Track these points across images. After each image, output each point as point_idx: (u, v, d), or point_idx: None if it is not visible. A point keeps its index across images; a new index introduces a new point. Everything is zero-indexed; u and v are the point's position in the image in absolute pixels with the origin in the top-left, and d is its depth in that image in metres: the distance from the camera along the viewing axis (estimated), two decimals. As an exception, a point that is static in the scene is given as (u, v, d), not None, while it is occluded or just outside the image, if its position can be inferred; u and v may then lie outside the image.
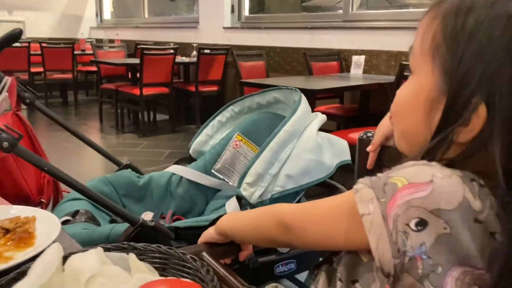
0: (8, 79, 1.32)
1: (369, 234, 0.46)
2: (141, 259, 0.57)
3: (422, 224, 0.43)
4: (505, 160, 0.45)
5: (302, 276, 1.24)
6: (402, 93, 0.56)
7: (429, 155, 0.49)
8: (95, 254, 0.51)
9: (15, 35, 1.34)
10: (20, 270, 0.49)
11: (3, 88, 1.29)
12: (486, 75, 0.45)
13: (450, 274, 0.44)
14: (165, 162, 3.64)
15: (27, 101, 1.42)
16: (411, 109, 0.53)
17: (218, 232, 0.75)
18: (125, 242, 0.59)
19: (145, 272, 0.50)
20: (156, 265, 0.57)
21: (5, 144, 0.90)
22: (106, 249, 0.57)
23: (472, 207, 0.44)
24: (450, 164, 0.48)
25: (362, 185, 0.50)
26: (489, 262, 0.44)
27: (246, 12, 4.96)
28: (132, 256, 0.52)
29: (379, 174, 0.50)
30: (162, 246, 0.58)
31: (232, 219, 0.75)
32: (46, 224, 0.71)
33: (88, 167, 3.42)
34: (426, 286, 0.44)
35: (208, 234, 0.77)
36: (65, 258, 0.53)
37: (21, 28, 1.37)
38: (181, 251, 0.57)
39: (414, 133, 0.53)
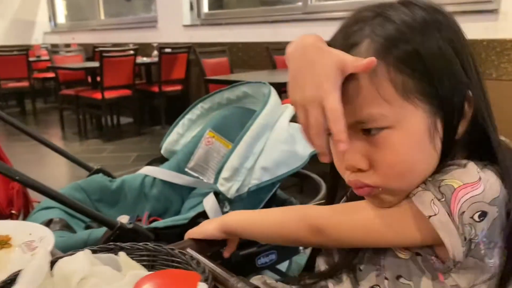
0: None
1: (440, 232, 0.50)
2: (129, 259, 0.56)
3: (483, 215, 0.50)
4: (494, 131, 0.55)
5: (283, 265, 1.26)
6: (402, 153, 0.52)
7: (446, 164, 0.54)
8: (84, 255, 0.50)
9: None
10: (8, 278, 0.48)
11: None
12: (461, 67, 0.52)
13: (497, 245, 0.53)
14: (132, 166, 3.57)
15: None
16: (422, 152, 0.53)
17: (222, 230, 0.73)
18: (111, 243, 0.58)
19: (137, 269, 0.50)
20: (144, 263, 0.57)
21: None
22: (93, 251, 0.56)
23: (501, 187, 0.52)
24: None
25: (418, 189, 0.53)
26: None
27: (205, 8, 4.93)
28: (122, 254, 0.52)
29: (427, 179, 0.53)
30: (149, 243, 0.58)
31: (244, 218, 0.74)
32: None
33: (56, 176, 3.32)
34: (485, 261, 0.53)
35: (206, 230, 0.75)
36: (52, 264, 0.52)
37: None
38: (169, 246, 0.57)
39: (427, 169, 0.54)
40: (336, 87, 0.49)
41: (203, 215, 1.13)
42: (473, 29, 3.06)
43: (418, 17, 0.52)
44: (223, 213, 1.14)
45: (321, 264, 0.71)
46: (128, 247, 0.58)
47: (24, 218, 1.35)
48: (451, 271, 0.53)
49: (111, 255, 0.55)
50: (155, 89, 4.69)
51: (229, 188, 1.13)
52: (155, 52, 4.81)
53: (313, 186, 1.37)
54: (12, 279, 0.48)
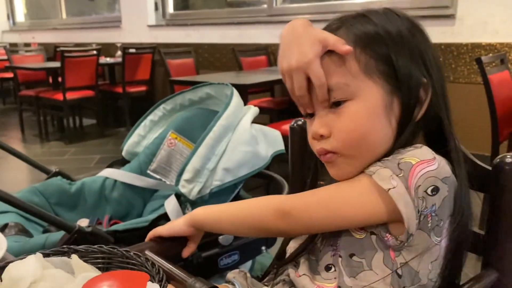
0: None
1: (398, 203, 0.55)
2: (83, 261, 0.56)
3: (436, 190, 0.56)
4: (449, 120, 0.62)
5: (247, 266, 1.27)
6: (357, 121, 0.59)
7: (401, 144, 0.60)
8: (35, 259, 0.49)
9: None
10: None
11: None
12: (420, 58, 0.60)
13: (445, 226, 0.59)
14: (95, 168, 3.48)
15: None
16: (376, 125, 0.60)
17: (191, 224, 0.74)
18: (64, 246, 0.57)
19: (90, 271, 0.49)
20: (99, 266, 0.56)
21: None
22: (46, 255, 0.55)
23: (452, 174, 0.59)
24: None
25: (376, 167, 0.58)
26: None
27: (170, 9, 4.89)
28: (74, 257, 0.51)
29: (385, 159, 0.59)
30: (103, 246, 0.57)
31: (212, 211, 0.75)
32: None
33: (13, 179, 3.20)
34: (432, 237, 0.58)
35: (174, 226, 0.76)
36: (2, 269, 0.50)
37: None
38: (124, 249, 0.57)
39: (381, 143, 0.60)
40: (317, 57, 0.58)
41: (164, 218, 1.12)
42: (431, 33, 3.09)
43: (393, 20, 0.61)
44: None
45: (289, 251, 0.73)
46: (82, 250, 0.58)
47: (-22, 224, 1.30)
48: (402, 248, 0.58)
49: (64, 258, 0.54)
50: (119, 90, 4.60)
51: (191, 190, 1.13)
52: (119, 52, 4.73)
53: (276, 187, 1.38)
54: (-43, 285, 0.46)
